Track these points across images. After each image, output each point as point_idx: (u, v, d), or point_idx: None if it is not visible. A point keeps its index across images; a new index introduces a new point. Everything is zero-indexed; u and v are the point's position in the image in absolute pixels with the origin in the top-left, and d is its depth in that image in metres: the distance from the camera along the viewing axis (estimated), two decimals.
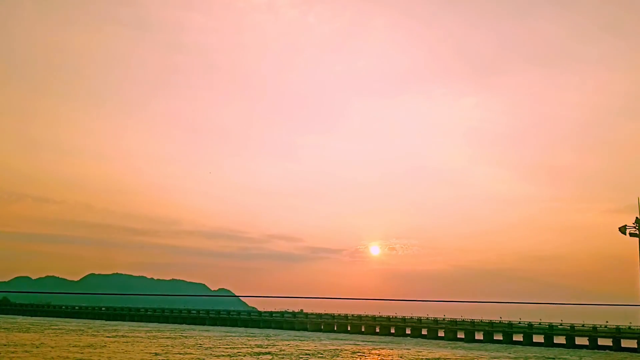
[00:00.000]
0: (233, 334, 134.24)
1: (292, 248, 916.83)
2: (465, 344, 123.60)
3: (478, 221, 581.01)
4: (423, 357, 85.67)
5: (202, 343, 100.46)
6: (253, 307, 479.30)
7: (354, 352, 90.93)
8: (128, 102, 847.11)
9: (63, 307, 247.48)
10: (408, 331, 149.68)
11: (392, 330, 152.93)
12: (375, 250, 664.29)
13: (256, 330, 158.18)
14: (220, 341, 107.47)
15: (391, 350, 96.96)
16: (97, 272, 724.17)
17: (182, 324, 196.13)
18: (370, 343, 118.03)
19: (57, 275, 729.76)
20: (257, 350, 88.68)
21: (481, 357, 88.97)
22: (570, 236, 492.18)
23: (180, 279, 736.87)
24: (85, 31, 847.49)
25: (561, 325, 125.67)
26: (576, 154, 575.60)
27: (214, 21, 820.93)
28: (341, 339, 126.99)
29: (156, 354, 76.30)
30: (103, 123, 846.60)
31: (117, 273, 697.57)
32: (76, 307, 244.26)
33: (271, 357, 75.94)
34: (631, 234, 29.51)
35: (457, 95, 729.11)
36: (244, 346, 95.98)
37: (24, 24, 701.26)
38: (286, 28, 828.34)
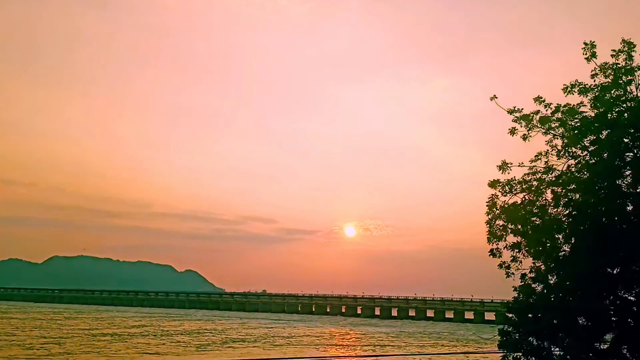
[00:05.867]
0: (149, 315, 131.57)
1: (267, 230, 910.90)
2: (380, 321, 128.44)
3: (450, 202, 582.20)
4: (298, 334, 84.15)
5: (77, 324, 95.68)
6: (221, 289, 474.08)
7: (223, 330, 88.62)
8: (99, 85, 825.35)
9: (10, 290, 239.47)
10: (343, 309, 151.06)
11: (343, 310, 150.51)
12: (350, 231, 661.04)
13: (207, 313, 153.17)
14: (105, 321, 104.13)
15: (281, 329, 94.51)
16: (61, 255, 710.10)
17: (139, 306, 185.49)
18: (300, 322, 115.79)
19: (20, 257, 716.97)
20: (123, 330, 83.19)
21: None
22: None
23: (147, 260, 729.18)
24: (54, 11, 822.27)
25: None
26: None
27: (184, 2, 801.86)
28: (272, 319, 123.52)
29: None
30: (74, 105, 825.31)
31: (82, 255, 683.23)
32: (29, 290, 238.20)
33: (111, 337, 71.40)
34: None
35: (429, 77, 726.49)
36: (122, 326, 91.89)
37: None
38: (257, 9, 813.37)
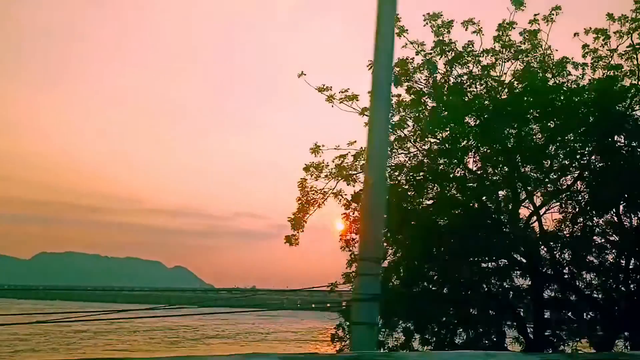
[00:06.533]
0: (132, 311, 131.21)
1: (259, 225, 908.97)
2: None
3: None
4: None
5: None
6: (211, 285, 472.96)
7: (200, 325, 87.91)
8: (86, 79, 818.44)
9: None
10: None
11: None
12: (341, 226, 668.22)
13: (192, 309, 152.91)
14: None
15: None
16: (49, 251, 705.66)
17: (123, 302, 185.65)
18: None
19: (7, 254, 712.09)
20: (99, 327, 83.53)
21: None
22: None
23: (136, 257, 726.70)
24: (38, 9, 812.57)
25: None
26: None
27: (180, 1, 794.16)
28: (256, 315, 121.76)
29: None
30: (61, 100, 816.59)
31: (69, 252, 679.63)
32: (12, 286, 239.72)
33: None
34: None
35: None
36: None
37: None
38: (257, 6, 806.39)
